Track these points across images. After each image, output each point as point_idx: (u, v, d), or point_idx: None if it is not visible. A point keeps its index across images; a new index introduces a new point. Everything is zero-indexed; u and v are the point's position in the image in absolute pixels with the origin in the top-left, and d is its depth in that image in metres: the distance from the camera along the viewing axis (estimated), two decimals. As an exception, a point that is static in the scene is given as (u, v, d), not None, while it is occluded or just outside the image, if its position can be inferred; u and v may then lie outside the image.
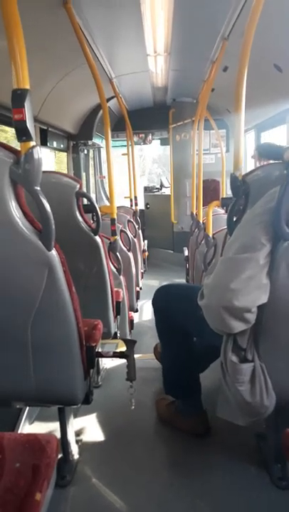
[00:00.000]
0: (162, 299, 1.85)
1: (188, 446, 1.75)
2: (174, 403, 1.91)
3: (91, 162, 6.34)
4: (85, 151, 5.75)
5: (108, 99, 4.64)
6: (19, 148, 1.13)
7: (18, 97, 1.11)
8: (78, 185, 1.96)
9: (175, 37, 3.26)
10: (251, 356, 1.28)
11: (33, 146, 1.12)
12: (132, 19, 2.85)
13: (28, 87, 1.13)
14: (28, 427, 1.85)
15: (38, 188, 1.15)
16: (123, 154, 5.68)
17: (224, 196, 4.78)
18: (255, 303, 1.19)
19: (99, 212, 2.13)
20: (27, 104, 1.11)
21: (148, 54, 3.74)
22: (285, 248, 1.16)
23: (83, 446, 1.77)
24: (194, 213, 4.37)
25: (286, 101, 3.38)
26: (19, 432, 1.77)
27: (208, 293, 1.27)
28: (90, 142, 5.47)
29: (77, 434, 1.82)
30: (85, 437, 1.82)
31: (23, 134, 1.12)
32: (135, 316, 3.41)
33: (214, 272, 1.28)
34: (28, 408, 1.86)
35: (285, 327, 1.25)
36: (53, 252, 1.22)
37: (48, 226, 1.19)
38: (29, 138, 1.13)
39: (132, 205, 5.51)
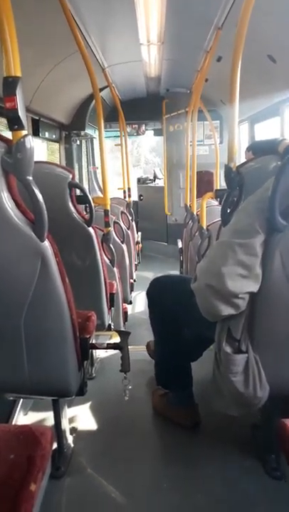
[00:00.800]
0: (157, 290, 1.85)
1: (183, 437, 1.76)
2: (167, 394, 1.92)
3: (84, 153, 6.30)
4: (78, 142, 5.71)
5: (101, 89, 4.59)
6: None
7: (10, 84, 1.09)
8: (71, 176, 1.94)
9: (168, 26, 3.23)
10: (245, 347, 1.28)
11: (25, 135, 1.10)
12: (124, 8, 2.82)
13: (19, 74, 1.11)
14: (22, 418, 1.85)
15: (30, 178, 1.13)
16: (116, 145, 5.65)
17: (218, 188, 4.77)
18: (243, 289, 1.18)
19: (92, 203, 2.11)
20: (19, 92, 1.09)
21: (141, 43, 3.71)
22: (279, 239, 1.16)
23: (78, 437, 1.77)
24: (188, 205, 4.36)
25: (280, 92, 3.37)
26: (13, 423, 1.76)
27: (199, 275, 1.28)
28: (82, 133, 5.43)
29: (72, 425, 1.82)
30: (80, 428, 1.83)
31: (14, 123, 1.10)
32: (129, 308, 3.41)
33: (208, 254, 1.29)
34: (22, 399, 1.86)
35: (279, 318, 1.25)
36: (46, 242, 1.21)
37: (40, 216, 1.17)
38: (21, 127, 1.11)
39: (125, 197, 5.49)
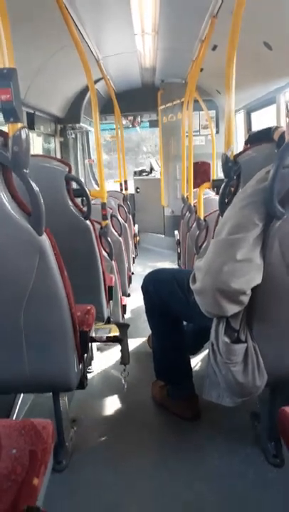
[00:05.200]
0: (151, 284, 1.84)
1: (183, 428, 1.77)
2: (167, 386, 1.92)
3: (79, 146, 6.25)
4: (73, 135, 5.66)
5: (95, 81, 4.55)
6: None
7: (4, 76, 1.07)
8: (68, 169, 1.93)
9: (163, 15, 3.19)
10: (244, 337, 1.28)
11: (21, 128, 1.09)
12: (118, -3, 2.78)
13: (13, 66, 1.09)
14: (23, 413, 1.85)
15: (27, 171, 1.12)
16: (112, 137, 5.60)
17: (215, 178, 4.75)
18: (250, 284, 1.17)
19: (89, 196, 2.10)
20: (14, 84, 1.08)
21: (135, 33, 3.67)
22: (278, 227, 1.15)
23: (78, 430, 1.77)
24: (185, 196, 4.34)
25: (276, 80, 3.34)
26: (14, 417, 1.76)
27: (201, 276, 1.24)
28: (77, 126, 5.38)
29: (72, 418, 1.82)
30: (80, 421, 1.83)
31: (10, 115, 1.09)
32: (127, 301, 3.41)
33: (206, 254, 1.26)
34: (22, 394, 1.86)
35: (279, 306, 1.25)
36: (44, 236, 1.20)
37: (37, 210, 1.17)
38: (17, 119, 1.09)
39: (121, 190, 5.46)
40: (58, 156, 5.31)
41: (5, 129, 1.13)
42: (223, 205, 1.61)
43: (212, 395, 1.41)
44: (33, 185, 1.14)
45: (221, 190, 1.63)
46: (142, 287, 1.87)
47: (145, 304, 1.90)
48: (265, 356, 1.29)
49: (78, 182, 2.09)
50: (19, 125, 1.10)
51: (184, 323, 1.90)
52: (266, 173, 1.19)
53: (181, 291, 1.66)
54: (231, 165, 1.55)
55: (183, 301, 1.63)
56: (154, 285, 1.83)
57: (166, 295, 1.77)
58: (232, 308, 1.21)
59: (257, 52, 3.06)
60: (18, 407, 1.80)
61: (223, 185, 1.61)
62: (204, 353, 1.89)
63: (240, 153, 1.59)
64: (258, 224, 1.15)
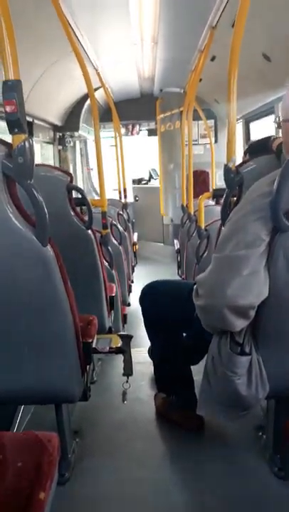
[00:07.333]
0: (149, 297, 1.83)
1: (187, 439, 1.75)
2: (170, 397, 1.91)
3: (78, 154, 6.27)
4: (72, 143, 5.69)
5: (94, 90, 4.58)
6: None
7: (9, 88, 1.08)
8: (69, 179, 1.93)
9: (162, 26, 3.23)
10: (248, 349, 1.27)
11: (26, 139, 1.09)
12: (118, 8, 2.81)
13: (19, 77, 1.10)
14: (24, 424, 1.83)
15: (31, 182, 1.12)
16: (111, 146, 5.62)
17: (214, 187, 4.76)
18: (260, 297, 1.16)
19: (91, 206, 2.10)
20: (18, 96, 1.08)
21: (135, 43, 3.70)
22: (283, 240, 1.15)
23: (81, 442, 1.75)
24: (185, 205, 4.35)
25: (275, 91, 3.37)
26: (15, 429, 1.75)
27: (207, 293, 1.23)
28: (76, 134, 5.41)
29: (75, 430, 1.80)
30: (83, 433, 1.81)
31: (15, 126, 1.09)
32: (127, 310, 3.39)
33: (211, 270, 1.24)
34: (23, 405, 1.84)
35: (283, 318, 1.25)
36: (48, 247, 1.20)
37: (42, 221, 1.16)
38: (21, 130, 1.09)
39: (120, 198, 5.47)
40: (56, 163, 5.32)
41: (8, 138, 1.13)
42: (226, 215, 1.61)
43: (206, 411, 1.40)
44: (38, 196, 1.14)
45: (223, 201, 1.64)
46: (140, 300, 1.86)
47: (143, 316, 1.88)
48: (270, 368, 1.28)
49: (80, 191, 2.09)
50: (23, 136, 1.10)
51: (183, 335, 1.89)
52: (267, 185, 1.17)
53: (180, 304, 1.65)
54: (233, 176, 1.56)
55: (182, 313, 1.62)
56: (152, 298, 1.81)
57: (164, 308, 1.75)
58: (241, 324, 1.20)
59: (256, 63, 3.09)
60: (19, 418, 1.79)
61: (225, 196, 1.62)
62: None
63: (242, 164, 1.60)
64: (264, 239, 1.14)
